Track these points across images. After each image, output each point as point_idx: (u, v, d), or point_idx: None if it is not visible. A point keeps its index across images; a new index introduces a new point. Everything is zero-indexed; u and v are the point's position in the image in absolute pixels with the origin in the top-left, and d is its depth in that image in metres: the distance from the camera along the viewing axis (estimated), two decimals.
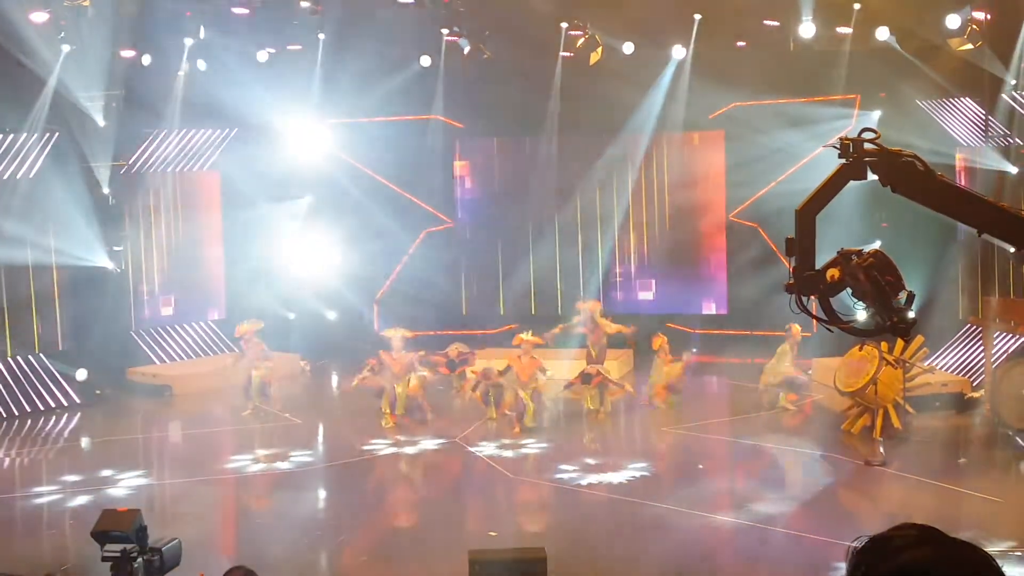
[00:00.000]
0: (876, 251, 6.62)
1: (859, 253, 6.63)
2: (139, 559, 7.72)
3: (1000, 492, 14.28)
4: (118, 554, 7.72)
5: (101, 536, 7.78)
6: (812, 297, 6.81)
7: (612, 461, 15.73)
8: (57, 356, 19.93)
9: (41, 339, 19.95)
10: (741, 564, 12.43)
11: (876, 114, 20.75)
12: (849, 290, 6.69)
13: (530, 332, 17.76)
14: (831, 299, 6.81)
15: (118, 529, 7.77)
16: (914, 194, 6.89)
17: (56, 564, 12.59)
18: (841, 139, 6.77)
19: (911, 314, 6.70)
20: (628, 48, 20.61)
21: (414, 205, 23.31)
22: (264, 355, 18.83)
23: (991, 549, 8.19)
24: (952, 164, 19.55)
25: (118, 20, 19.32)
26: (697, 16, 20.21)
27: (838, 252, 6.71)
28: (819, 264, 6.78)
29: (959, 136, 19.68)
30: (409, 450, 16.61)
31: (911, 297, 6.68)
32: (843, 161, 6.76)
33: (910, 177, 6.72)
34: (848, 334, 6.98)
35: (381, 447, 16.69)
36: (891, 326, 6.63)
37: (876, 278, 6.50)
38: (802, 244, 6.70)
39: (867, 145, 6.69)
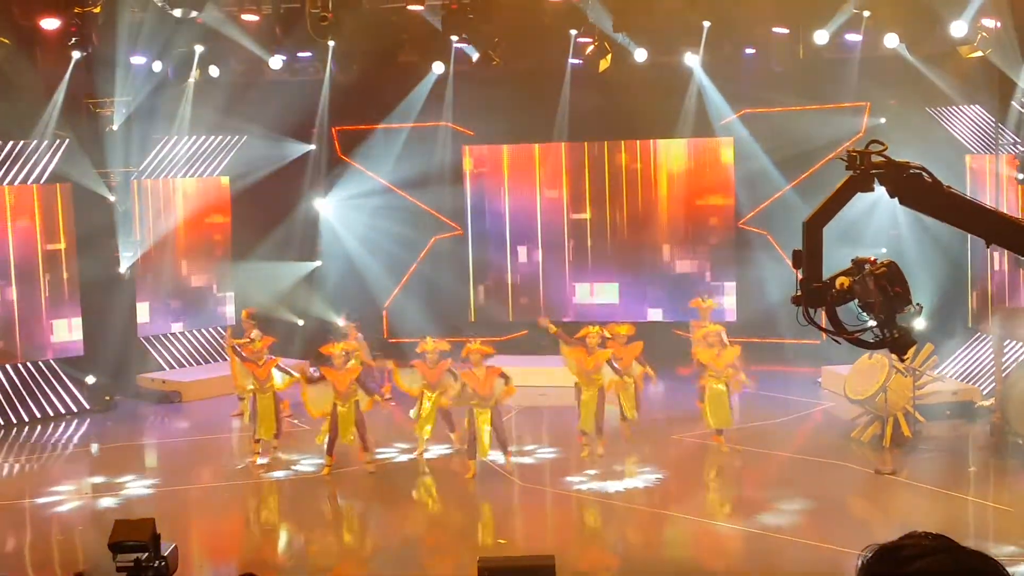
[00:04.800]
0: (890, 261, 6.61)
1: (873, 262, 6.62)
2: (152, 567, 7.77)
3: (1010, 501, 14.24)
4: (131, 564, 7.78)
5: (117, 547, 7.83)
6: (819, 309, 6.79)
7: (622, 468, 15.70)
8: (67, 362, 19.97)
9: (51, 345, 19.98)
10: (751, 573, 12.40)
11: (882, 121, 20.72)
12: (856, 301, 6.68)
13: (478, 340, 16.28)
14: (837, 310, 6.79)
15: (136, 539, 7.82)
16: (921, 206, 6.89)
17: (66, 569, 12.62)
18: (848, 151, 6.77)
19: (915, 329, 6.70)
20: (640, 56, 20.60)
21: (423, 212, 23.31)
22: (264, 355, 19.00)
23: (1002, 558, 8.14)
24: (962, 172, 19.50)
25: (128, 26, 19.37)
26: (706, 23, 20.18)
27: (852, 261, 6.70)
28: (827, 274, 6.76)
29: (969, 144, 19.65)
30: (414, 458, 16.58)
31: (919, 309, 6.67)
32: (850, 173, 6.75)
33: (917, 189, 6.71)
34: (854, 345, 6.97)
35: (390, 454, 16.67)
36: (891, 341, 6.62)
37: (885, 287, 6.48)
38: (809, 256, 6.69)
39: (874, 157, 6.68)
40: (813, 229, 6.69)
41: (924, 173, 6.70)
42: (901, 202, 6.81)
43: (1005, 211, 17.43)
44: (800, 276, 6.71)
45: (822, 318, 6.82)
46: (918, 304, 6.66)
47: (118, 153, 20.78)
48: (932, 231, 18.27)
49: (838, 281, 6.64)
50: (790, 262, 6.88)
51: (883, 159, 6.66)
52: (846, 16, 18.86)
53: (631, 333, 16.98)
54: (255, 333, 19.49)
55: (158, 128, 21.33)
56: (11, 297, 19.52)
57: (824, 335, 6.90)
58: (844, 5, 18.70)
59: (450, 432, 16.57)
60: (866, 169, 6.66)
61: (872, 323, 6.61)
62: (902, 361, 7.11)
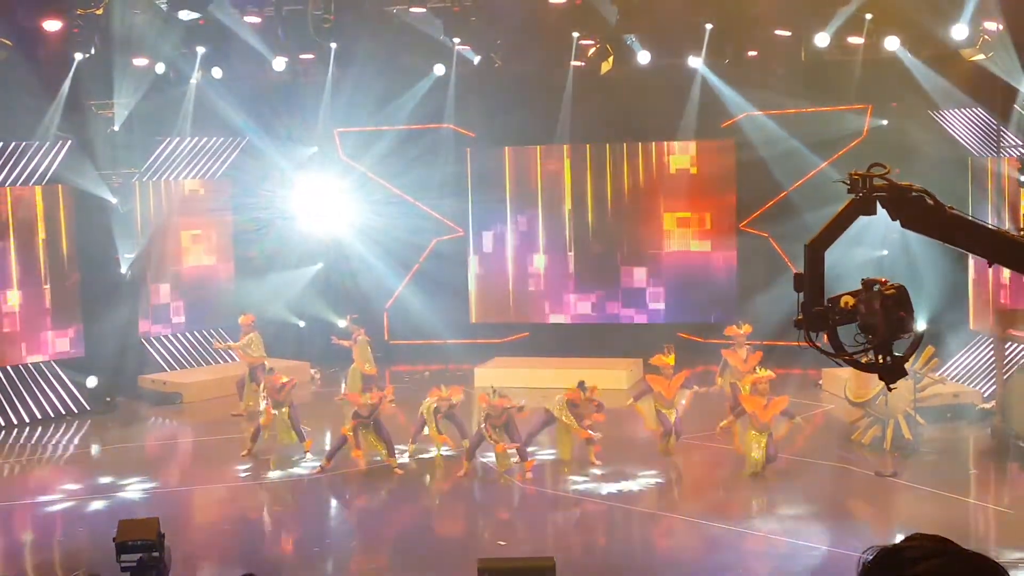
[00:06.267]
0: (900, 285, 6.60)
1: (883, 283, 6.60)
2: (158, 566, 7.84)
3: (1012, 503, 14.24)
4: (134, 563, 7.83)
5: (123, 546, 7.87)
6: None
7: (622, 471, 15.68)
8: (67, 363, 19.96)
9: (52, 346, 19.98)
10: (751, 575, 12.40)
11: (884, 123, 20.72)
12: (857, 322, 6.65)
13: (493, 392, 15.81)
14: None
15: (143, 537, 7.88)
16: (924, 229, 6.87)
17: (68, 570, 12.63)
18: (851, 174, 6.76)
19: (908, 360, 6.71)
20: (643, 58, 20.62)
21: (424, 214, 23.32)
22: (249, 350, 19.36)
23: (1003, 560, 8.15)
24: (964, 174, 19.51)
25: (130, 28, 19.37)
26: (708, 25, 20.20)
27: (862, 281, 6.68)
28: (835, 290, 6.74)
29: (971, 146, 19.64)
30: (419, 459, 16.57)
31: (919, 338, 6.68)
32: (852, 196, 6.74)
33: (920, 212, 6.70)
34: (852, 367, 6.97)
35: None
36: (882, 367, 6.61)
37: (890, 310, 6.46)
38: (811, 279, 6.66)
39: (876, 180, 6.67)
40: (815, 252, 6.66)
41: (926, 196, 6.69)
42: (903, 225, 6.79)
43: (1007, 224, 17.49)
44: (802, 299, 6.69)
45: (823, 339, 6.81)
46: (919, 332, 6.66)
47: (120, 154, 20.78)
48: None
49: (843, 300, 6.62)
50: (791, 264, 6.88)
51: (885, 182, 6.65)
52: (844, 17, 18.87)
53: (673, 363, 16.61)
54: (252, 336, 19.60)
55: (160, 129, 21.34)
56: (12, 298, 19.53)
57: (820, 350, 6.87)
58: (844, 7, 18.71)
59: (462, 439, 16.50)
60: (868, 192, 6.64)
61: (869, 346, 6.59)
62: (890, 390, 7.11)
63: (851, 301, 6.59)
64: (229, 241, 23.18)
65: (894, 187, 6.64)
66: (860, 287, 6.66)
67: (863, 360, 6.67)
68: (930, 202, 6.67)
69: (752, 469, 15.21)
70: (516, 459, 15.72)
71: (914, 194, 6.67)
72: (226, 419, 19.34)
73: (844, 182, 6.77)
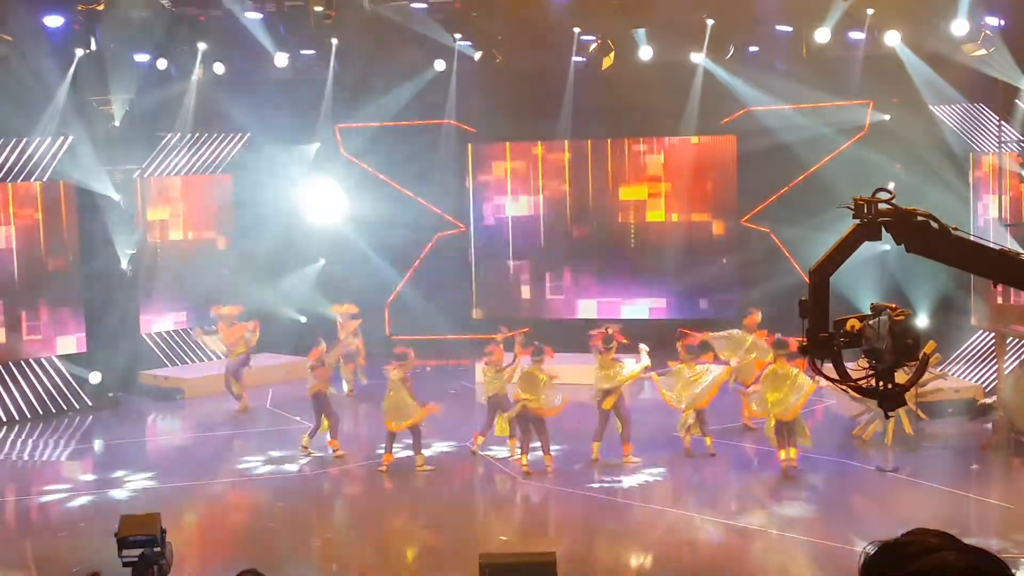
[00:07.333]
0: (910, 312, 6.58)
1: (894, 308, 6.60)
2: (159, 561, 7.87)
3: (1013, 498, 14.25)
4: (136, 559, 7.86)
5: (125, 541, 7.89)
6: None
7: (625, 466, 15.68)
8: (70, 359, 19.97)
9: (54, 342, 19.98)
10: (753, 569, 12.41)
11: (886, 118, 20.73)
12: (862, 346, 6.64)
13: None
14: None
15: (144, 533, 7.90)
16: (929, 252, 6.85)
17: (69, 565, 12.65)
18: (855, 199, 6.73)
19: (907, 391, 6.71)
20: (645, 54, 20.63)
21: (426, 210, 23.32)
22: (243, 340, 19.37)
23: (1004, 555, 8.16)
24: (965, 170, 19.51)
25: (132, 24, 19.37)
26: (710, 21, 20.20)
27: (871, 306, 6.67)
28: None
29: (972, 141, 19.63)
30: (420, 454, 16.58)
31: (924, 366, 6.67)
32: (857, 221, 6.72)
33: (925, 236, 6.68)
34: (856, 392, 6.98)
35: (393, 450, 16.65)
36: (882, 393, 6.61)
37: (899, 336, 6.45)
38: (816, 305, 6.64)
39: (882, 205, 6.65)
40: (820, 277, 6.63)
41: (931, 220, 6.68)
42: (908, 249, 6.77)
43: (1009, 241, 17.47)
44: (806, 326, 6.67)
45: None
46: (924, 354, 6.66)
47: (121, 150, 20.77)
48: None
49: (849, 323, 6.60)
50: (793, 259, 6.89)
51: (890, 207, 6.63)
52: (841, 12, 18.87)
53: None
54: (241, 330, 19.62)
55: (161, 125, 21.34)
56: (14, 295, 19.52)
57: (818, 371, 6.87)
58: (844, 1, 18.72)
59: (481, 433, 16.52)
60: (874, 217, 6.63)
61: (873, 371, 6.58)
62: (888, 417, 7.10)
63: (858, 324, 6.56)
64: (231, 237, 23.14)
65: (899, 212, 6.61)
66: (870, 311, 6.65)
67: (864, 385, 6.66)
68: (935, 226, 6.65)
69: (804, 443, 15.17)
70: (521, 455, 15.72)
71: (919, 219, 6.64)
72: (227, 415, 19.36)
73: (848, 207, 6.74)
